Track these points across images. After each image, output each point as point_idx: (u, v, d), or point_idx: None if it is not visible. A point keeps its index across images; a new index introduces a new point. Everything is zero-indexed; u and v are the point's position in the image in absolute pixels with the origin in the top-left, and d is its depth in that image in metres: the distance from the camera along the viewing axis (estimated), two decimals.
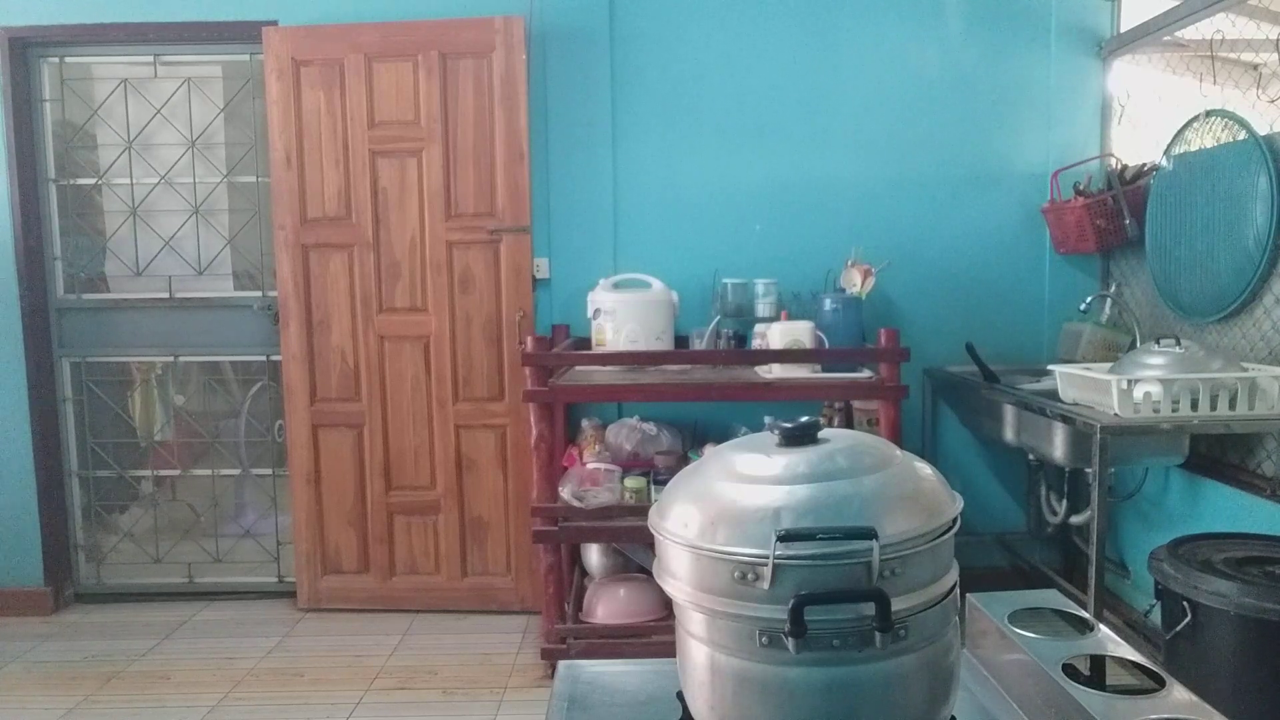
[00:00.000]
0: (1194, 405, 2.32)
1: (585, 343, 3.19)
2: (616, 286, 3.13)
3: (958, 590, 0.87)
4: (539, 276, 3.41)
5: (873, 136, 3.40)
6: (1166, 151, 2.87)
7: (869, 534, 0.78)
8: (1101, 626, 1.04)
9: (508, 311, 3.34)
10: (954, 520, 0.86)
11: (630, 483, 2.92)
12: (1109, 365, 2.59)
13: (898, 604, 0.78)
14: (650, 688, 1.05)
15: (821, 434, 0.91)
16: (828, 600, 0.79)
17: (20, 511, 3.52)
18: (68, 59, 3.52)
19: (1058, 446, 2.65)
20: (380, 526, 3.45)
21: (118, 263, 3.63)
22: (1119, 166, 3.20)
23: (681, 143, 3.42)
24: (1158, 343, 2.44)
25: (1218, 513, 2.68)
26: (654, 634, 2.86)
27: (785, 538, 0.79)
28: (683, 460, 3.03)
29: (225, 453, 3.74)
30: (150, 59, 3.50)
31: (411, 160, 3.31)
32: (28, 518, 3.52)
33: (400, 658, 3.06)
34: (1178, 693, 0.87)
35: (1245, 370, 2.37)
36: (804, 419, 0.91)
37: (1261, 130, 2.48)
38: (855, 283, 3.15)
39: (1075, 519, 3.01)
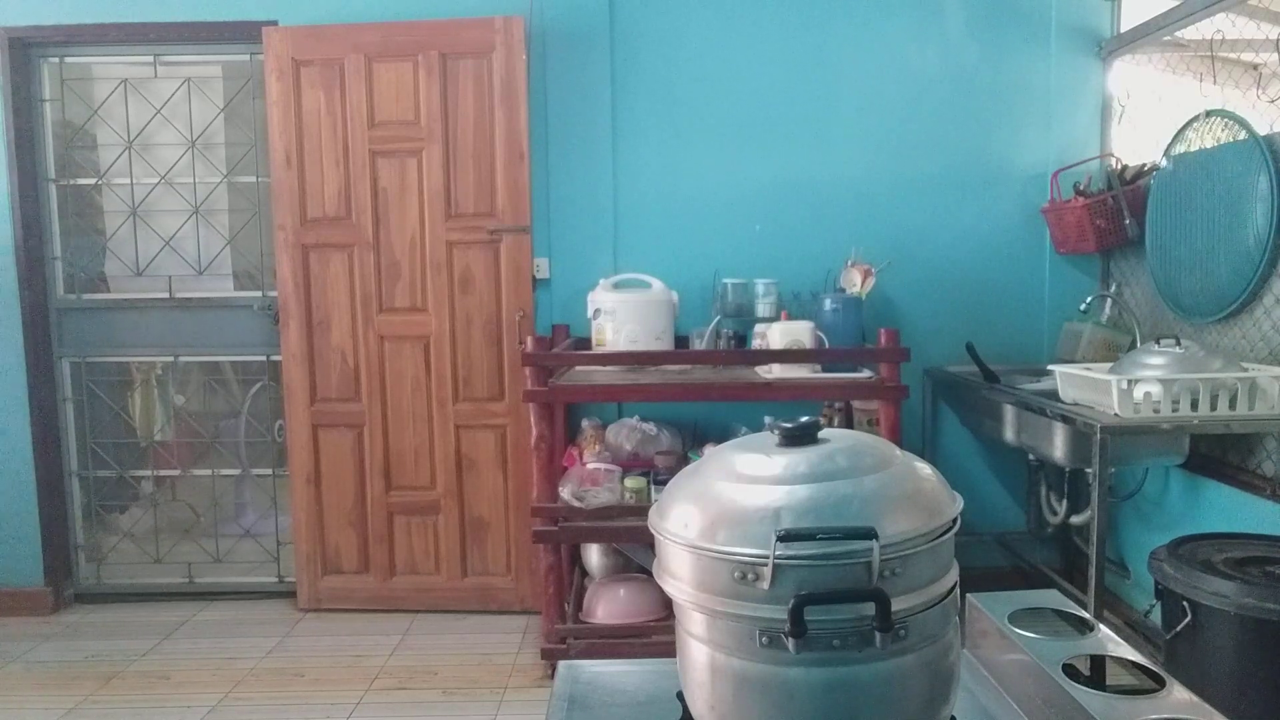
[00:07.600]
0: (1194, 405, 2.32)
1: (585, 343, 3.19)
2: (616, 286, 3.13)
3: (958, 590, 0.87)
4: (539, 276, 3.41)
5: (873, 136, 3.40)
6: (1166, 151, 2.87)
7: (869, 534, 0.78)
8: (1101, 626, 1.04)
9: (508, 311, 3.34)
10: (954, 520, 0.86)
11: (630, 483, 2.92)
12: (1109, 365, 2.59)
13: (898, 604, 0.78)
14: (650, 688, 1.05)
15: (821, 434, 0.91)
16: (828, 600, 0.79)
17: (20, 511, 3.51)
18: (68, 59, 3.52)
19: (1058, 446, 2.65)
20: (380, 526, 3.45)
21: (118, 263, 3.63)
22: (1119, 166, 3.20)
23: (681, 143, 3.42)
24: (1158, 343, 2.44)
25: (1218, 513, 2.67)
26: (654, 634, 2.86)
27: (785, 538, 0.79)
28: (683, 460, 3.03)
29: (225, 453, 3.74)
30: (150, 59, 3.50)
31: (411, 160, 3.31)
32: (28, 518, 3.52)
33: (400, 658, 3.06)
34: (1178, 693, 0.87)
35: (1245, 370, 2.37)
36: (804, 419, 0.91)
37: (1261, 130, 2.48)
38: (855, 283, 3.15)
39: (1075, 519, 3.01)
